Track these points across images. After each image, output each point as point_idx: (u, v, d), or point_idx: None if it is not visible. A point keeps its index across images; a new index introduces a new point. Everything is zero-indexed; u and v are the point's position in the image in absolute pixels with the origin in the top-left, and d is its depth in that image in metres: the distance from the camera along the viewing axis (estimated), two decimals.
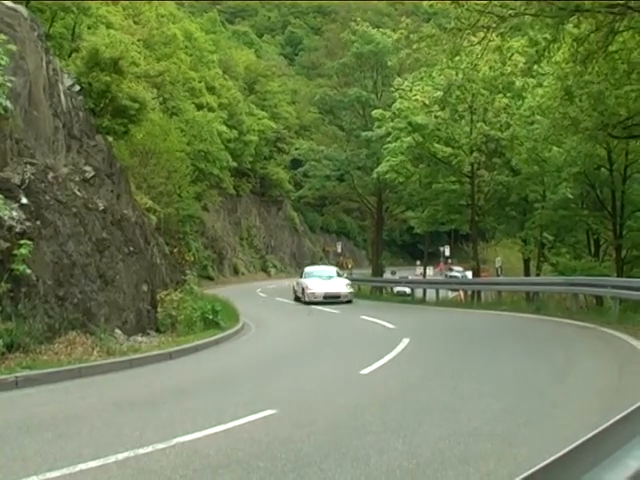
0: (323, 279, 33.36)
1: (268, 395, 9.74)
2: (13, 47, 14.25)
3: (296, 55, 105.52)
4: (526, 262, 35.47)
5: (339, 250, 66.65)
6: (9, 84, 13.56)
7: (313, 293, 31.87)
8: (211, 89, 58.47)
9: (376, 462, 6.21)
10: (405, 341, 15.65)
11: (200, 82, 55.34)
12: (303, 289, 32.81)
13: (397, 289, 36.81)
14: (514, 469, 5.86)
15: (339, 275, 35.72)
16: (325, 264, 54.88)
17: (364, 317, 23.04)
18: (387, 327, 19.95)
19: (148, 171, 33.17)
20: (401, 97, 35.86)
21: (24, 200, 13.56)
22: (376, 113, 39.71)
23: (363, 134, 46.20)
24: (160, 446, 6.79)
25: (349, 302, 31.47)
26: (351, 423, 7.93)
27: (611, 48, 19.99)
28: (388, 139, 37.57)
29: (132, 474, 6.03)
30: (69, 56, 29.72)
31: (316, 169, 52.76)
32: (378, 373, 11.60)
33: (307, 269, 36.99)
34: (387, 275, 41.39)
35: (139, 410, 8.92)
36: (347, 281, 34.91)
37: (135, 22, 45.82)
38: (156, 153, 34.37)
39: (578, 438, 2.91)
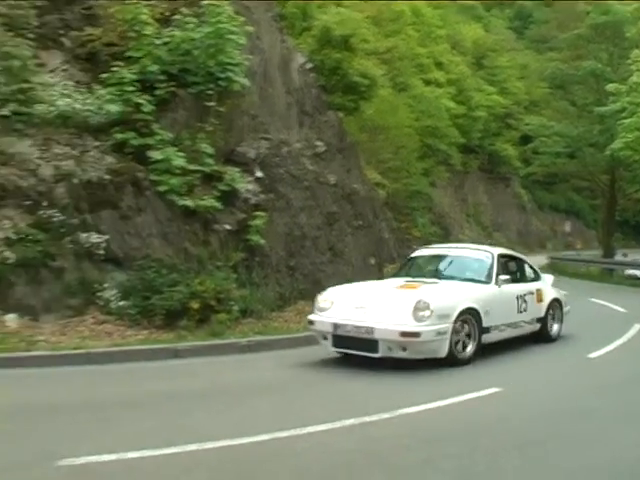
0: (428, 279, 11.23)
1: (493, 374, 9.66)
2: (250, 28, 14.87)
3: (525, 29, 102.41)
4: None
5: (568, 229, 64.46)
6: (247, 63, 14.17)
7: (322, 323, 10.15)
8: (439, 65, 58.08)
9: (599, 449, 6.04)
10: (637, 326, 14.92)
11: (428, 58, 55.12)
12: None
13: (628, 272, 34.91)
14: None
15: (504, 270, 11.73)
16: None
17: (592, 299, 22.12)
18: (617, 311, 19.08)
19: (377, 146, 33.49)
20: (638, 70, 34.01)
21: (259, 174, 14.20)
22: (611, 87, 37.81)
23: (596, 109, 44.25)
24: (385, 416, 6.91)
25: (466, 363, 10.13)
26: (575, 407, 7.75)
27: None
28: (623, 114, 35.73)
29: (357, 440, 6.21)
30: (300, 35, 30.50)
31: (546, 145, 51.20)
32: (607, 358, 11.18)
33: (416, 254, 13.05)
34: (618, 257, 39.30)
35: (365, 380, 9.08)
36: (470, 297, 10.34)
37: None
38: (385, 129, 34.64)
39: None
